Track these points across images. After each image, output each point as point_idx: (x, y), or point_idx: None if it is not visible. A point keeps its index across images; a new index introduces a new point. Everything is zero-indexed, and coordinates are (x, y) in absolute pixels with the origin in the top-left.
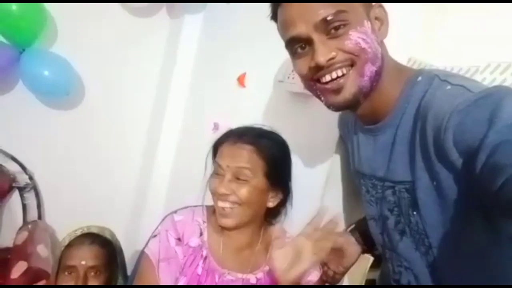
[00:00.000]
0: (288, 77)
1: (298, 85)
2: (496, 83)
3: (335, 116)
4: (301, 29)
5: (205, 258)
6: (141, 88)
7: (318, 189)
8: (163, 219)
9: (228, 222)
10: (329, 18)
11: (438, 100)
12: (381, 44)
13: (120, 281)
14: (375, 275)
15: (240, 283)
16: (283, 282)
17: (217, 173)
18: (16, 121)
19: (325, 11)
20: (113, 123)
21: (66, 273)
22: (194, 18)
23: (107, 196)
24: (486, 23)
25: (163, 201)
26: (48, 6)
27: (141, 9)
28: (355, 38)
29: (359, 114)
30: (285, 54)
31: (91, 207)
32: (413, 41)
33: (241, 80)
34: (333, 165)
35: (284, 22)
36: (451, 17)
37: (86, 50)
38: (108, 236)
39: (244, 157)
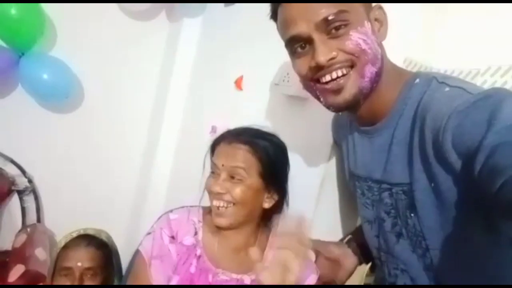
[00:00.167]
0: (284, 80)
1: (293, 88)
2: (496, 86)
3: (330, 118)
4: (301, 28)
5: (199, 257)
6: (141, 89)
7: (314, 190)
8: (159, 218)
9: (222, 221)
10: (330, 17)
11: (437, 101)
12: (380, 45)
13: (115, 283)
14: (370, 279)
15: (234, 284)
16: None
17: (213, 173)
18: (16, 124)
19: (327, 10)
20: (113, 124)
21: (62, 274)
22: (192, 21)
23: (107, 197)
24: (486, 23)
25: (163, 202)
26: (47, 10)
27: (140, 12)
28: (355, 38)
29: (357, 115)
30: (282, 57)
31: (91, 208)
32: (412, 41)
33: (238, 83)
34: (328, 167)
35: (285, 21)
36: (451, 17)
37: (85, 53)
38: (104, 238)
39: (239, 157)
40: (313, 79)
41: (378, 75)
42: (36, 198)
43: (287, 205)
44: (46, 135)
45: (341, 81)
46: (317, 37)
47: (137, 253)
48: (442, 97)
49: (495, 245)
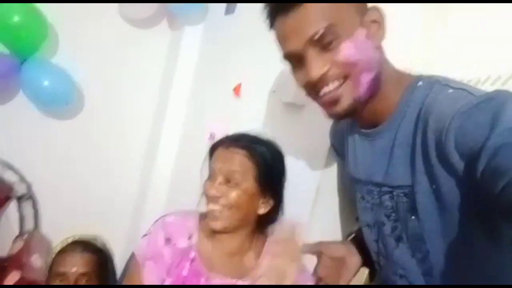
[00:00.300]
0: (281, 87)
1: (290, 95)
2: None
3: (327, 125)
4: (293, 45)
5: (193, 260)
6: (142, 95)
7: (310, 195)
8: (156, 221)
9: (217, 224)
10: (319, 33)
11: (440, 103)
12: (379, 49)
13: None
14: None
15: None
16: None
17: (210, 176)
18: (17, 130)
19: (316, 26)
20: (114, 129)
21: (57, 279)
22: (193, 29)
23: (108, 199)
24: (487, 24)
25: (163, 204)
26: (49, 17)
27: (141, 21)
28: (347, 50)
29: (359, 118)
30: (280, 65)
31: (91, 211)
32: (413, 41)
33: (236, 91)
34: (325, 173)
35: (279, 36)
36: (451, 17)
37: (87, 59)
38: (99, 244)
39: (236, 161)
40: (311, 93)
41: (376, 80)
42: (34, 205)
43: (282, 212)
44: (47, 141)
45: (338, 91)
46: (309, 53)
47: (132, 254)
48: (445, 98)
49: (495, 248)
